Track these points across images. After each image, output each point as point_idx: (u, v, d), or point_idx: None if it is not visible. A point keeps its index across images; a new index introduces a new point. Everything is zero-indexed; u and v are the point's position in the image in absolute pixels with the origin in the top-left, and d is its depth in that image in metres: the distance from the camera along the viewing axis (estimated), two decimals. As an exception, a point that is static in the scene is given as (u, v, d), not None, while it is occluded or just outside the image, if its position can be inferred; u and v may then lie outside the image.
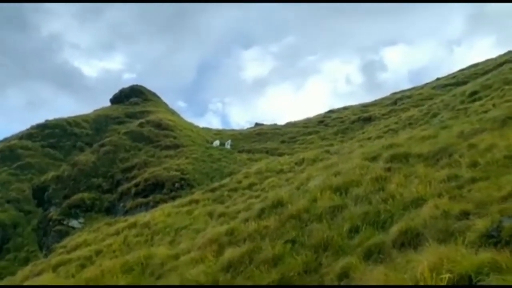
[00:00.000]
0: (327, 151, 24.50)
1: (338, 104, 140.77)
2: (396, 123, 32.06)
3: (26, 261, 30.80)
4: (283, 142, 42.54)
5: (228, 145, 40.70)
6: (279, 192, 11.85)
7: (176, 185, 29.44)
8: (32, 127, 58.08)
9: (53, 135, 54.39)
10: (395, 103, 45.45)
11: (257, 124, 66.02)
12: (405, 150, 10.49)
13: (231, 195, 19.47)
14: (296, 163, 23.22)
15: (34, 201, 42.06)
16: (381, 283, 4.42)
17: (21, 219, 40.43)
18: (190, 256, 9.21)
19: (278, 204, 10.07)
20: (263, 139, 45.51)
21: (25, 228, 39.39)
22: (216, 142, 41.54)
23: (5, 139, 64.02)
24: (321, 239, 6.81)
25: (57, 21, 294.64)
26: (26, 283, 15.31)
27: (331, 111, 54.03)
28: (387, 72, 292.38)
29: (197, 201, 19.83)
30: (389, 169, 9.40)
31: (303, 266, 6.34)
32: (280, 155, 32.80)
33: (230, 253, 7.91)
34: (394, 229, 5.91)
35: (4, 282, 20.48)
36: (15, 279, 18.35)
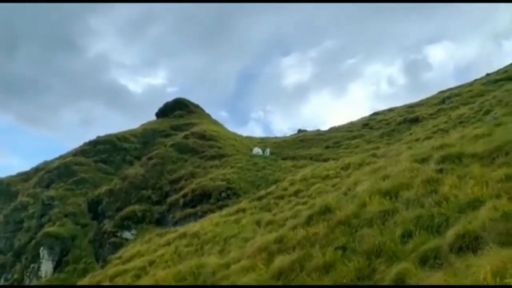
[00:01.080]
0: (374, 155, 23.97)
1: (381, 107, 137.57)
2: (445, 122, 30.90)
3: (84, 273, 32.15)
4: (327, 147, 42.07)
5: (267, 153, 40.75)
6: (326, 198, 11.71)
7: (223, 194, 29.82)
8: (85, 144, 60.90)
9: (104, 151, 56.67)
10: (443, 102, 43.81)
11: (300, 131, 65.74)
12: (458, 150, 10.06)
13: (278, 203, 19.46)
14: (342, 168, 22.89)
15: (89, 215, 43.95)
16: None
17: (78, 232, 42.28)
18: (241, 264, 9.27)
19: (326, 210, 9.94)
20: (307, 145, 45.23)
21: (82, 240, 41.14)
22: (256, 150, 41.72)
23: (61, 156, 67.60)
24: (373, 245, 6.66)
25: (102, 41, 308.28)
26: (86, 293, 15.99)
27: (375, 114, 52.88)
28: (432, 71, 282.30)
29: (244, 210, 19.98)
30: (441, 171, 9.05)
31: (355, 272, 6.22)
32: (325, 160, 32.44)
33: (280, 261, 7.89)
34: (451, 233, 5.68)
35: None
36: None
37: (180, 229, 21.94)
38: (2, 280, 46.11)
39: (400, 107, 51.80)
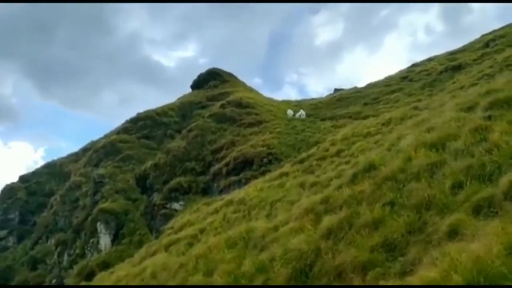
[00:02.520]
0: (415, 108, 23.24)
1: (420, 57, 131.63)
2: (491, 67, 29.27)
3: (140, 244, 33.83)
4: (366, 104, 41.08)
5: (304, 115, 40.30)
6: (370, 155, 11.55)
7: (264, 160, 30.05)
8: (127, 122, 62.77)
9: (145, 127, 58.20)
10: (486, 45, 41.35)
11: (336, 90, 64.49)
12: (506, 94, 9.56)
13: (320, 164, 19.43)
14: (383, 124, 22.40)
15: (138, 189, 45.77)
16: (498, 237, 4.17)
17: (130, 207, 44.24)
18: (289, 227, 9.44)
19: (370, 167, 9.83)
20: (344, 104, 44.37)
21: (134, 214, 43.07)
22: (293, 113, 41.37)
23: (106, 136, 70.16)
24: (422, 198, 6.57)
25: (133, 19, 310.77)
26: (144, 263, 16.86)
27: (414, 65, 50.81)
28: (472, 14, 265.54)
29: (287, 174, 20.11)
30: (489, 118, 8.67)
31: (406, 227, 6.19)
32: (365, 118, 31.80)
33: (328, 220, 7.96)
34: (504, 180, 5.50)
35: (125, 263, 22.65)
36: (134, 260, 20.34)
37: (226, 197, 22.48)
38: (66, 255, 49.41)
39: (441, 55, 49.42)
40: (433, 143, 8.77)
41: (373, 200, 7.75)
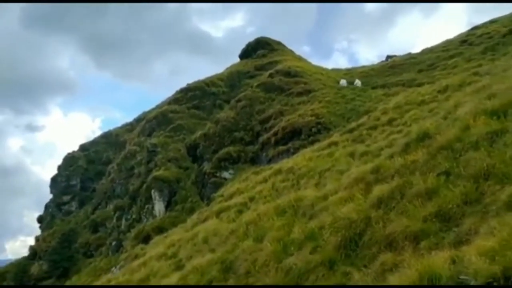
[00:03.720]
0: (476, 73, 21.94)
1: (481, 20, 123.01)
2: (561, 27, 26.84)
3: (191, 210, 35.10)
4: (420, 71, 39.23)
5: (356, 84, 39.16)
6: (424, 124, 11.11)
7: (313, 130, 29.79)
8: (177, 92, 64.16)
9: (195, 97, 59.20)
10: (559, 3, 37.82)
11: (388, 57, 61.95)
12: None
13: (371, 134, 19.01)
14: (439, 92, 21.39)
15: (189, 158, 47.13)
16: None
17: (182, 175, 45.78)
18: (338, 196, 9.39)
19: (425, 136, 9.48)
20: (397, 71, 42.63)
21: (186, 182, 44.57)
22: (343, 82, 40.33)
23: (157, 106, 72.26)
24: (480, 168, 6.27)
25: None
26: (196, 228, 17.52)
27: (474, 28, 47.56)
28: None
29: (336, 143, 19.88)
30: (559, 82, 8.03)
31: (461, 197, 5.97)
32: (419, 85, 30.45)
33: (379, 190, 7.83)
34: None
35: (178, 228, 23.68)
36: (187, 225, 21.18)
37: (275, 166, 22.64)
38: (123, 220, 52.33)
39: (504, 17, 45.84)
40: (494, 111, 8.28)
41: (426, 170, 7.50)
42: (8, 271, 67.72)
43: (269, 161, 31.59)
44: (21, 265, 62.82)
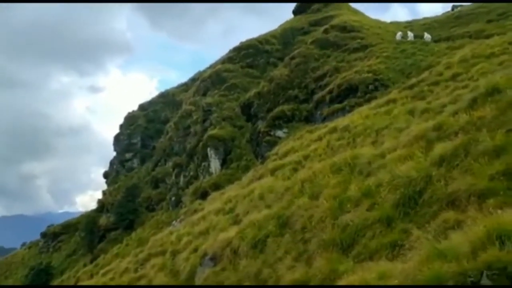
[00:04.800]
0: (554, 22, 19.90)
1: None
2: None
3: (246, 168, 35.83)
4: (490, 21, 36.22)
5: (410, 37, 36.82)
6: (493, 78, 10.37)
7: (370, 87, 28.83)
8: (230, 51, 64.03)
9: (248, 55, 58.86)
10: None
11: (454, 7, 57.55)
12: None
13: (432, 90, 18.06)
14: (510, 43, 19.74)
15: (243, 117, 47.60)
16: None
17: (236, 134, 46.54)
18: (397, 153, 9.16)
19: (494, 91, 8.88)
20: (464, 22, 39.68)
21: (240, 140, 45.32)
22: (398, 35, 38.11)
23: (211, 66, 72.84)
24: (556, 124, 5.82)
25: None
26: (251, 185, 17.91)
27: (556, -30, 42.71)
28: None
29: (394, 101, 19.11)
30: None
31: (533, 155, 5.61)
32: (488, 37, 28.19)
33: (441, 147, 7.53)
34: None
35: (234, 185, 24.32)
36: (243, 183, 21.71)
37: (330, 125, 22.31)
38: (182, 177, 54.56)
39: None
40: None
41: (495, 127, 7.08)
42: (80, 222, 73.78)
43: (324, 119, 31.16)
44: (91, 217, 68.00)
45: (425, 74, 21.69)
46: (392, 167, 8.16)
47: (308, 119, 36.04)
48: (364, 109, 21.06)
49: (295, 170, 15.73)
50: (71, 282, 31.90)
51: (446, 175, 6.61)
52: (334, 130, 19.36)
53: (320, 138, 19.68)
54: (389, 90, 24.88)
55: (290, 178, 14.07)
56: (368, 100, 25.25)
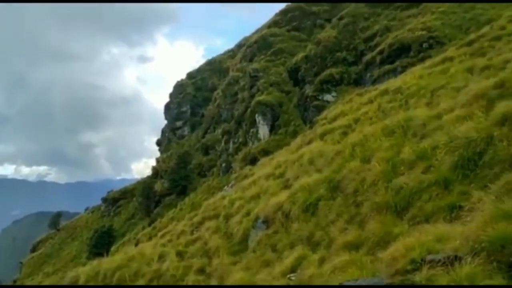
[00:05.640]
0: None
1: None
2: None
3: (294, 134, 35.77)
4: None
5: None
6: None
7: (424, 45, 27.42)
8: (276, 15, 62.88)
9: (295, 18, 57.55)
10: None
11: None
12: None
13: (494, 45, 16.87)
14: None
15: (290, 82, 47.10)
16: None
17: (284, 99, 46.27)
18: (454, 114, 8.74)
19: None
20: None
21: (288, 106, 45.08)
22: None
23: (257, 30, 71.94)
24: None
25: None
26: (300, 150, 17.89)
27: None
28: None
29: (451, 59, 18.09)
30: None
31: None
32: (558, -16, 25.66)
33: (504, 106, 7.08)
34: None
35: (283, 151, 24.38)
36: (291, 148, 21.74)
37: (380, 87, 21.60)
38: (231, 143, 55.43)
39: None
40: None
41: None
42: (136, 188, 77.55)
43: (374, 81, 30.21)
44: (147, 183, 71.23)
45: (486, 29, 20.24)
46: (449, 128, 7.82)
47: (357, 82, 35.09)
48: (418, 69, 20.17)
49: (345, 134, 15.50)
50: (132, 244, 33.92)
51: (509, 135, 6.25)
52: (385, 92, 18.74)
53: (370, 101, 19.14)
54: (445, 47, 23.54)
55: (340, 142, 13.90)
56: (422, 60, 24.11)
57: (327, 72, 37.60)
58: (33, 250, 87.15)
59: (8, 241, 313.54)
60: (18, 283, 69.67)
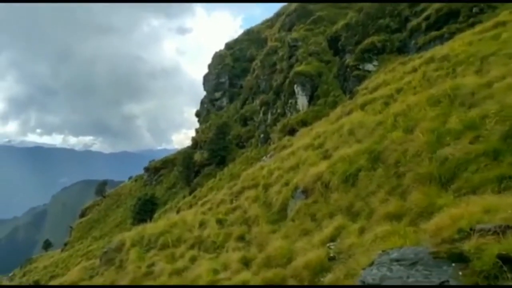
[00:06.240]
0: None
1: None
2: None
3: (334, 104, 35.17)
4: None
5: None
6: None
7: (474, 9, 25.80)
8: (315, -18, 60.86)
9: (335, -15, 55.56)
10: None
11: None
12: None
13: (552, 8, 15.69)
14: None
15: (330, 51, 45.98)
16: None
17: (323, 69, 45.33)
18: (506, 82, 8.32)
19: None
20: None
21: (328, 76, 44.18)
22: None
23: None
24: None
25: None
26: (340, 121, 17.63)
27: None
28: None
29: (504, 23, 16.99)
30: None
31: None
32: None
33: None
34: None
35: (322, 121, 24.12)
36: (330, 118, 21.46)
37: (426, 54, 20.70)
38: (269, 114, 55.34)
39: None
40: None
41: None
42: (177, 158, 79.59)
43: (419, 49, 28.92)
44: (187, 154, 72.86)
45: (544, -10, 18.80)
46: (500, 97, 7.45)
47: (401, 50, 33.75)
48: (467, 35, 19.12)
49: (386, 104, 15.10)
50: (173, 212, 35.12)
51: None
52: (430, 60, 17.95)
53: (414, 70, 18.44)
54: (498, 11, 22.09)
55: (381, 112, 13.56)
56: (472, 25, 22.79)
57: (368, 40, 36.33)
58: (82, 215, 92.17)
59: (58, 207, 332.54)
60: (68, 246, 74.22)
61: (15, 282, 55.65)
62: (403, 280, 2.74)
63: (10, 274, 67.42)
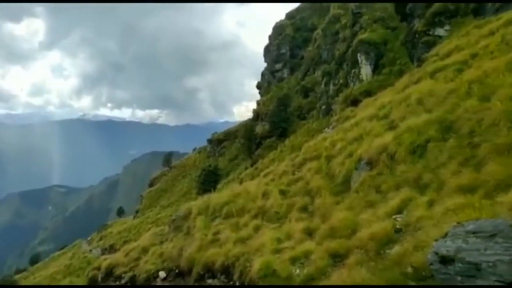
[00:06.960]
0: None
1: None
2: None
3: (400, 73, 33.55)
4: None
5: None
6: None
7: None
8: None
9: None
10: None
11: None
12: None
13: None
14: None
15: (397, 17, 43.58)
16: None
17: (389, 36, 43.20)
18: None
19: None
20: None
21: (394, 43, 42.08)
22: None
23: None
24: None
25: None
26: (407, 90, 16.85)
27: None
28: None
29: None
30: None
31: None
32: None
33: None
34: None
35: (387, 91, 23.16)
36: (396, 88, 20.56)
37: (505, 16, 19.00)
38: (331, 85, 54.14)
39: None
40: None
41: None
42: (238, 130, 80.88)
43: (497, 10, 26.48)
44: (248, 126, 73.73)
45: None
46: None
47: (476, 12, 31.15)
48: (554, -8, 17.24)
49: (459, 71, 14.15)
50: (236, 183, 35.96)
51: None
52: (510, 22, 16.48)
53: (492, 33, 17.04)
54: None
55: (453, 80, 12.76)
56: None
57: (440, 3, 33.92)
58: (151, 185, 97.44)
59: (129, 177, 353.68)
60: (139, 213, 79.05)
61: (93, 245, 60.52)
62: (480, 252, 2.60)
63: (89, 238, 73.35)
